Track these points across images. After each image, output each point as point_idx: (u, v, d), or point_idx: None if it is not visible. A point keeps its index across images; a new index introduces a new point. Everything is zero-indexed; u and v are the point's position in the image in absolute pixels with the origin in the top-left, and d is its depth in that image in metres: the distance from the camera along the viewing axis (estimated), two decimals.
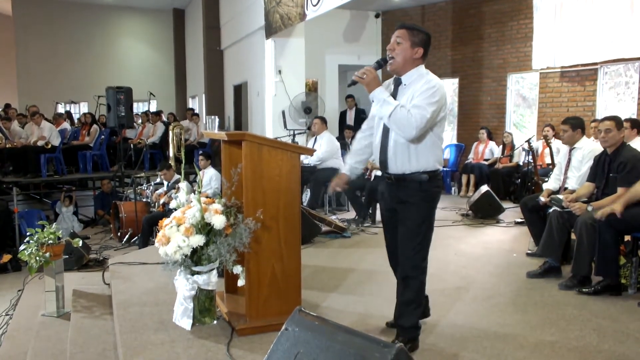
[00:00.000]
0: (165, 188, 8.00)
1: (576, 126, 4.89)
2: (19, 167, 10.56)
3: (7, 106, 13.36)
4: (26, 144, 10.59)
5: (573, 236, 4.36)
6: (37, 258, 4.18)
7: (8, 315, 5.39)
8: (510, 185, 8.72)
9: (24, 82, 16.36)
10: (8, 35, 17.15)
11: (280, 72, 9.82)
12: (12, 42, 16.61)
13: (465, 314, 3.70)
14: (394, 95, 3.01)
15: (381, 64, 3.03)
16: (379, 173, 6.97)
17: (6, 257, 8.10)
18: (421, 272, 3.09)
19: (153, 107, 16.02)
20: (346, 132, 10.21)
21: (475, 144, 9.76)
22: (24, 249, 4.24)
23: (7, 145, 10.87)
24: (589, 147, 4.84)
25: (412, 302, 3.09)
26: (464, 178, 9.38)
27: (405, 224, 3.05)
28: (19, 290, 5.88)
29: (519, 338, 3.29)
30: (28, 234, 4.31)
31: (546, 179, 5.57)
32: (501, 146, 9.35)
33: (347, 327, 2.29)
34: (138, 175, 9.35)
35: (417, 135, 2.88)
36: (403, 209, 3.06)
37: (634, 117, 7.31)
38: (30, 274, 4.42)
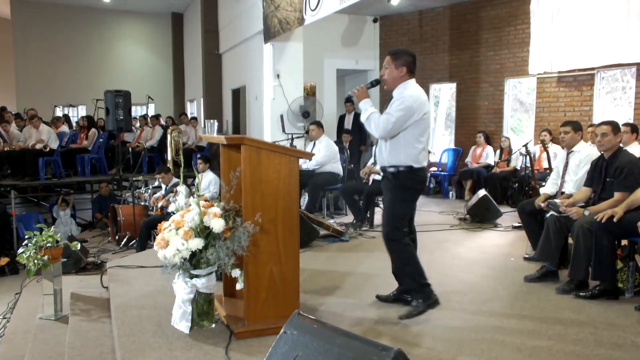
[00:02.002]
0: (163, 191, 8.01)
1: (577, 128, 4.93)
2: (17, 170, 10.55)
3: (3, 109, 13.35)
4: (24, 147, 10.59)
5: (570, 240, 4.37)
6: (35, 261, 4.19)
7: (5, 318, 5.38)
8: (508, 190, 8.75)
9: (22, 85, 16.36)
10: (7, 38, 17.16)
11: (278, 76, 9.85)
12: (11, 45, 16.62)
13: (463, 317, 3.71)
14: (388, 106, 3.71)
15: (374, 83, 3.88)
16: (377, 177, 7.00)
17: (4, 260, 8.11)
18: (396, 241, 3.74)
19: (151, 111, 16.04)
20: (344, 137, 10.23)
21: (473, 147, 9.80)
22: (22, 252, 4.25)
23: (5, 149, 10.87)
24: (586, 152, 4.86)
25: (405, 267, 3.78)
26: (468, 183, 9.39)
27: (384, 205, 3.87)
28: (17, 294, 5.87)
29: (516, 342, 3.30)
30: (26, 237, 4.31)
31: (543, 184, 5.59)
32: (498, 150, 9.38)
33: (346, 331, 2.29)
34: (136, 179, 9.35)
35: (384, 135, 3.65)
36: (384, 193, 3.86)
37: (631, 122, 7.34)
38: (28, 277, 4.41)
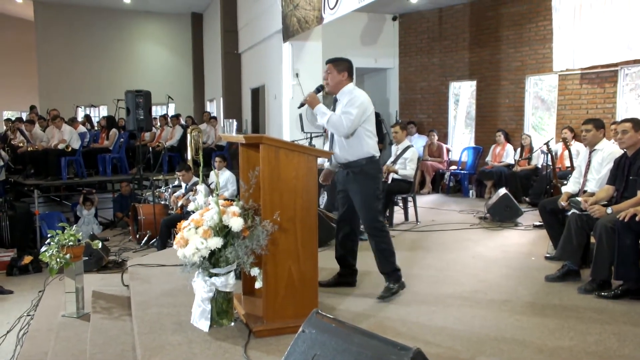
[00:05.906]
0: (183, 190, 8.07)
1: (599, 126, 4.85)
2: (40, 170, 10.74)
3: (32, 108, 13.61)
4: (47, 147, 10.77)
5: (592, 239, 4.30)
6: (58, 259, 4.24)
7: (29, 315, 5.48)
8: (529, 188, 8.64)
9: (45, 86, 16.64)
10: (29, 39, 17.47)
11: (297, 75, 9.85)
12: (34, 47, 16.91)
13: (483, 317, 3.68)
14: (334, 109, 4.05)
15: (319, 89, 4.11)
16: (396, 176, 6.96)
17: (27, 259, 8.23)
18: (379, 229, 4.03)
19: (171, 111, 16.18)
20: None
21: (493, 146, 9.70)
22: (44, 251, 4.30)
23: (29, 149, 11.07)
24: (609, 150, 4.78)
25: (385, 251, 4.05)
26: (489, 182, 9.30)
27: (356, 198, 4.02)
28: (40, 291, 5.96)
29: (537, 342, 3.26)
30: (49, 235, 4.37)
31: (565, 182, 5.51)
32: (519, 149, 9.27)
33: (364, 330, 2.29)
34: (156, 178, 9.44)
35: (348, 132, 3.91)
36: (352, 187, 4.03)
37: None
38: (50, 275, 4.47)
